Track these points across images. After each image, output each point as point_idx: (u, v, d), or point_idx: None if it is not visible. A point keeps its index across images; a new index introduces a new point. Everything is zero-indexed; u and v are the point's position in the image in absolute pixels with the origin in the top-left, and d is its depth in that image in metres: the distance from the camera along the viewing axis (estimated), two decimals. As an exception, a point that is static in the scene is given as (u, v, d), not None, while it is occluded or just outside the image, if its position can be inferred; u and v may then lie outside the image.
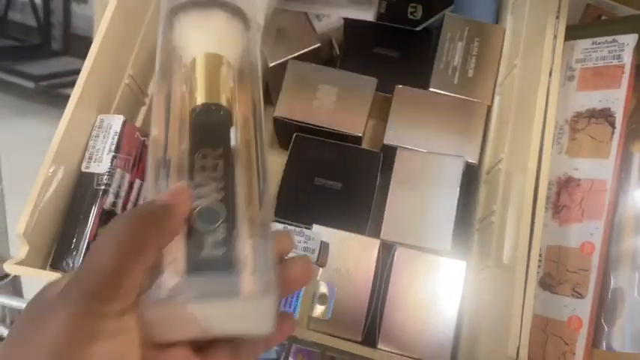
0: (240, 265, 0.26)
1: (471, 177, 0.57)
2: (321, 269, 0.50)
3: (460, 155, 0.54)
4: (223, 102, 0.32)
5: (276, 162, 0.58)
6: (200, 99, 0.32)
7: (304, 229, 0.49)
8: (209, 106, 0.32)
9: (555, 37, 0.47)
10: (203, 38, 0.35)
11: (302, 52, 0.59)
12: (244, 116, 0.34)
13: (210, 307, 0.25)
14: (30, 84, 1.98)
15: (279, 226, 0.49)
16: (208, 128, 0.32)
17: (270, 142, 0.66)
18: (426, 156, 0.55)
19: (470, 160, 0.55)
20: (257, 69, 0.36)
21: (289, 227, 0.49)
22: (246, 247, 0.27)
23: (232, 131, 0.32)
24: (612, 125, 0.47)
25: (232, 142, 0.31)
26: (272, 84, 0.61)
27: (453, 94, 0.58)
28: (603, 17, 0.58)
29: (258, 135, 0.33)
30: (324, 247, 0.49)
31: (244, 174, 0.31)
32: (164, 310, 0.25)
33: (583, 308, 0.44)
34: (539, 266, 0.48)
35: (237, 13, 0.36)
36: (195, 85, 0.33)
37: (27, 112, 1.93)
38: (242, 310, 0.26)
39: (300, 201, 0.55)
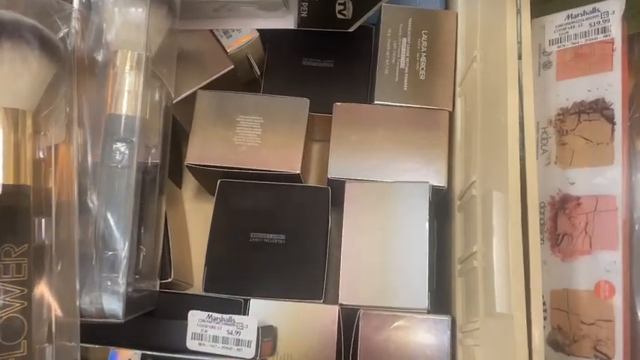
0: None
1: (441, 204, 0.46)
2: None
3: (424, 181, 0.43)
4: (27, 181, 0.27)
5: (206, 216, 0.46)
6: None
7: (234, 317, 0.37)
8: (10, 187, 0.27)
9: (519, 11, 0.36)
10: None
11: (212, 78, 0.48)
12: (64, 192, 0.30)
13: None
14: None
15: (202, 315, 0.37)
16: (9, 218, 0.27)
17: (196, 192, 0.54)
18: (382, 187, 0.44)
19: (436, 184, 0.44)
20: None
21: (215, 315, 0.37)
22: None
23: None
24: (610, 120, 0.36)
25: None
26: (183, 123, 0.49)
27: (405, 105, 0.47)
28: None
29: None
30: (264, 334, 0.37)
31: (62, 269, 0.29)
32: None
33: (612, 372, 0.33)
34: (544, 318, 0.36)
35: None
36: None
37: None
38: None
39: (234, 266, 0.44)
